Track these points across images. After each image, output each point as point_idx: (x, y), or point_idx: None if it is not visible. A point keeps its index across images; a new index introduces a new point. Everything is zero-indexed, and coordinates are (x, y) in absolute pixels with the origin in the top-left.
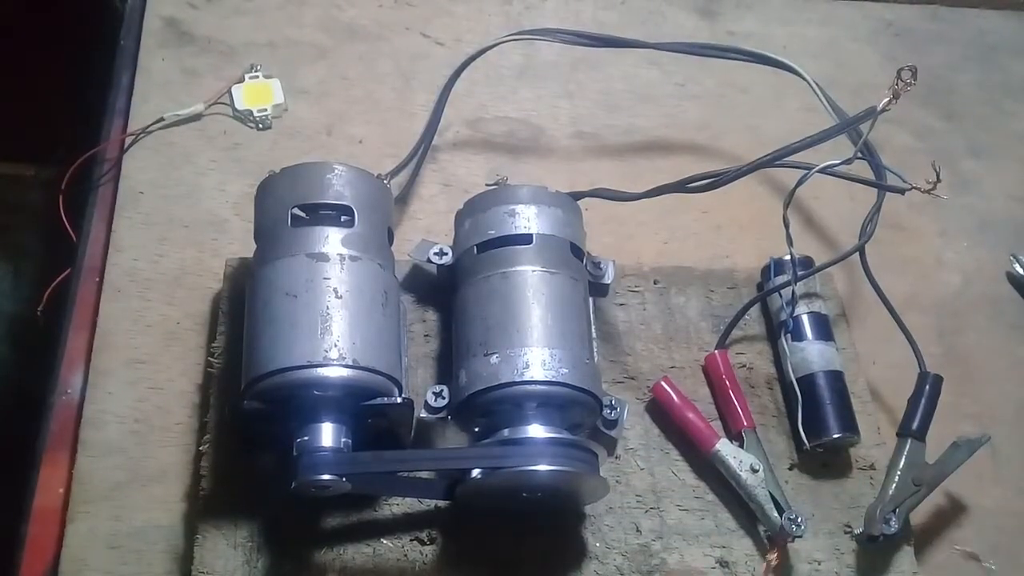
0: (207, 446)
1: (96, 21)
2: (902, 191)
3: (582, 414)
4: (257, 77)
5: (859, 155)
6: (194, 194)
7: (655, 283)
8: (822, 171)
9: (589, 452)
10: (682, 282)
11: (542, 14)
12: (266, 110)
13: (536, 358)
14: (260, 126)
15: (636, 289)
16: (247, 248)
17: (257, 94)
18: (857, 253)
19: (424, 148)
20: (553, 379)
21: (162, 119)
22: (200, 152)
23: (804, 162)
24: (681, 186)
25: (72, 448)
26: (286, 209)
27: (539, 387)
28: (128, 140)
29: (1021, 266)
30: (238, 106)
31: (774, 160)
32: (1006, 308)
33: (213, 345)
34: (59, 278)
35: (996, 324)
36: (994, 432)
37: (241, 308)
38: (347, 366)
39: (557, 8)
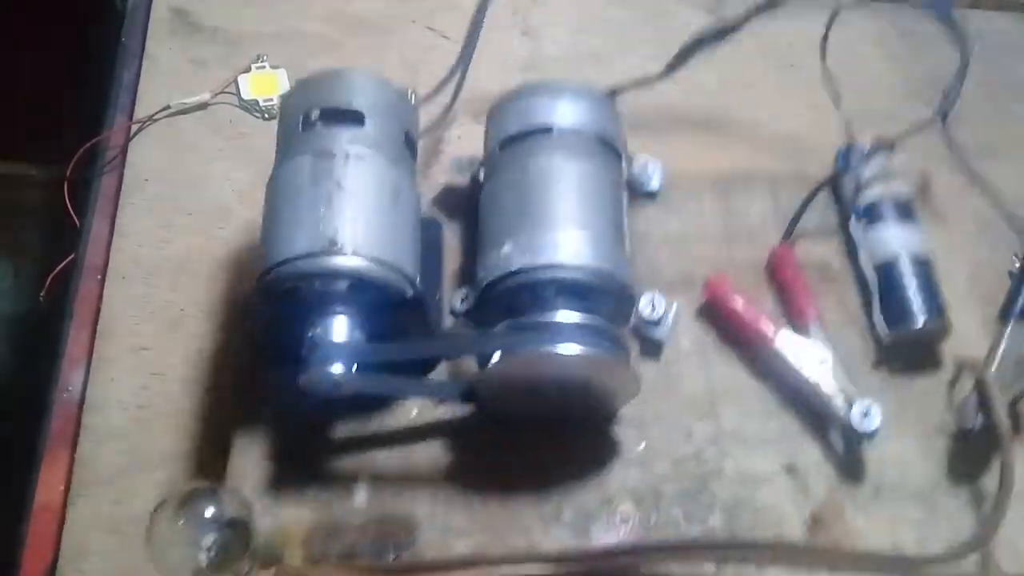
0: (235, 359)
1: (97, 21)
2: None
3: (608, 302)
4: (263, 67)
5: None
6: (199, 182)
7: (714, 185)
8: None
9: (612, 337)
10: (744, 183)
11: (550, 9)
12: (272, 100)
13: (551, 242)
14: (266, 116)
15: (693, 193)
16: (252, 236)
17: (263, 84)
18: (940, 121)
19: (460, 78)
20: (569, 262)
21: (168, 107)
22: (206, 141)
23: None
24: (701, 44)
25: (73, 445)
26: (298, 115)
27: (555, 272)
28: (134, 128)
29: None
30: (244, 96)
31: None
32: None
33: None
34: (63, 263)
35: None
36: None
37: None
38: (348, 255)
39: (564, 3)
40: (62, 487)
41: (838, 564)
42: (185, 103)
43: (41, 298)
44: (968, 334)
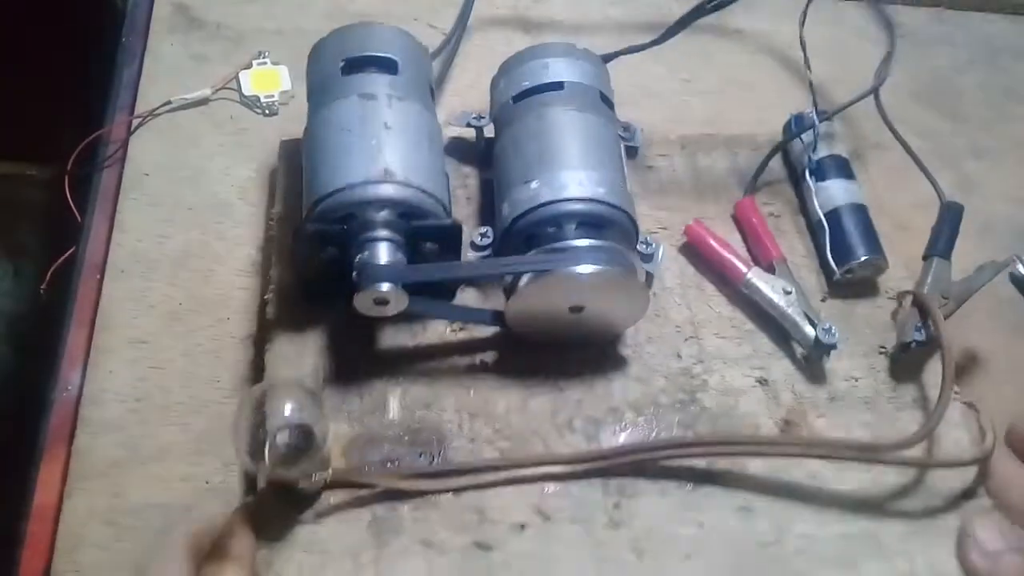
0: (271, 295)
1: (98, 21)
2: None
3: (619, 236)
4: (265, 64)
5: None
6: (200, 177)
7: (683, 148)
8: None
9: (628, 260)
10: (708, 146)
11: (550, 7)
12: (273, 96)
13: (574, 179)
14: (267, 112)
15: (665, 154)
16: (252, 231)
17: (264, 80)
18: (872, 96)
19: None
20: (591, 196)
21: (169, 102)
22: (207, 136)
23: None
24: (698, 12)
25: (71, 443)
26: (337, 62)
27: (579, 205)
28: (135, 123)
29: (1023, 266)
30: (245, 92)
31: None
32: (1007, 309)
33: (272, 211)
34: (64, 256)
35: (997, 324)
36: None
37: (294, 181)
38: (400, 183)
39: (565, 1)
40: (62, 486)
41: (811, 452)
42: (186, 98)
43: (42, 291)
44: (895, 272)
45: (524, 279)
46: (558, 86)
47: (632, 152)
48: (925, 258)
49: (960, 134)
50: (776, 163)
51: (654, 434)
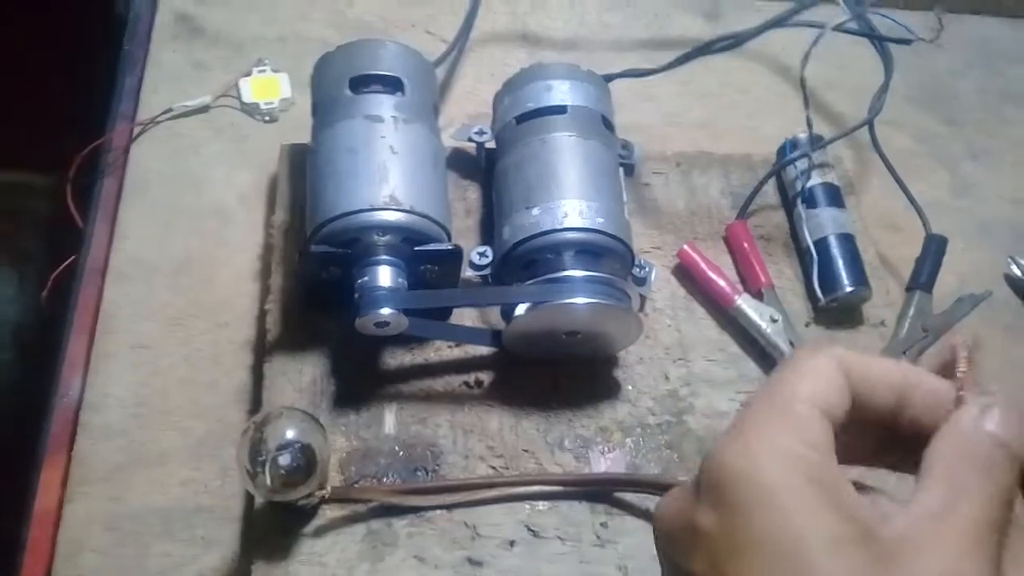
0: (271, 305)
1: (99, 28)
2: (908, 42)
3: (616, 264)
4: (265, 71)
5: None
6: (200, 184)
7: (677, 165)
8: (836, 29)
9: (623, 291)
10: (703, 165)
11: (548, 14)
12: (273, 103)
13: (574, 209)
14: (267, 119)
15: (660, 171)
16: (252, 238)
17: (265, 88)
18: (866, 128)
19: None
20: (590, 227)
21: (170, 110)
22: (207, 143)
23: (817, 21)
24: (704, 49)
25: (72, 448)
26: (344, 80)
27: (578, 234)
28: (136, 130)
29: (1018, 268)
30: (245, 99)
31: (789, 16)
32: (1002, 310)
33: (273, 218)
34: (65, 263)
35: (992, 326)
36: None
37: (295, 187)
38: (404, 211)
39: (562, 9)
40: (62, 491)
41: None
42: (187, 106)
43: (42, 298)
44: (878, 300)
45: (522, 307)
46: (561, 110)
47: (629, 170)
48: (908, 290)
49: (957, 137)
50: (769, 185)
51: (641, 454)
